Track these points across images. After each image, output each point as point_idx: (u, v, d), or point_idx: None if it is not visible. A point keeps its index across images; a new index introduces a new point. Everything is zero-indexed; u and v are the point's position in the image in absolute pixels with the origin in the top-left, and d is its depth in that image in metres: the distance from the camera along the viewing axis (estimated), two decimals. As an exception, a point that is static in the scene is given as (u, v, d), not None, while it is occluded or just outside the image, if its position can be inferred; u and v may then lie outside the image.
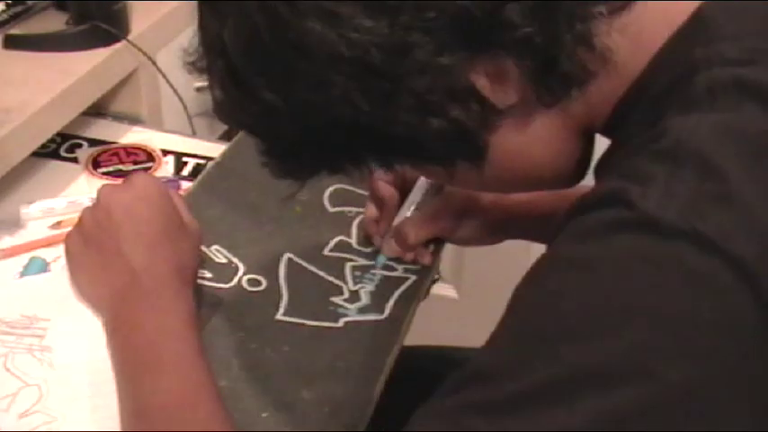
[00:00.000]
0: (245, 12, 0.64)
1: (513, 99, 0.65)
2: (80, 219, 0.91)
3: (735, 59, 0.61)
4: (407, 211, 1.01)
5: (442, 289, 2.02)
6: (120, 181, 1.17)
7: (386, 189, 1.02)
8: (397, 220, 1.01)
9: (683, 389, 0.53)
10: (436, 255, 1.05)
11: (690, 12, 0.64)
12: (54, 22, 1.26)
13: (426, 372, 1.18)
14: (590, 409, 0.54)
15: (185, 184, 1.20)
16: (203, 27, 0.68)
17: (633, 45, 0.64)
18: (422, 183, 1.03)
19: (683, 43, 0.64)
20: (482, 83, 0.64)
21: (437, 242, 1.05)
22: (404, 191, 1.03)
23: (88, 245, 0.88)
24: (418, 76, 0.62)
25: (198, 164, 1.25)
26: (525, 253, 2.01)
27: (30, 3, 1.29)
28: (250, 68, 0.66)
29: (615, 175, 0.59)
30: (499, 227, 1.04)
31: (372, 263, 1.02)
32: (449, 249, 1.09)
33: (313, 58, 0.62)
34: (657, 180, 0.56)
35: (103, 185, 0.92)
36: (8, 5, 1.26)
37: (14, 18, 1.26)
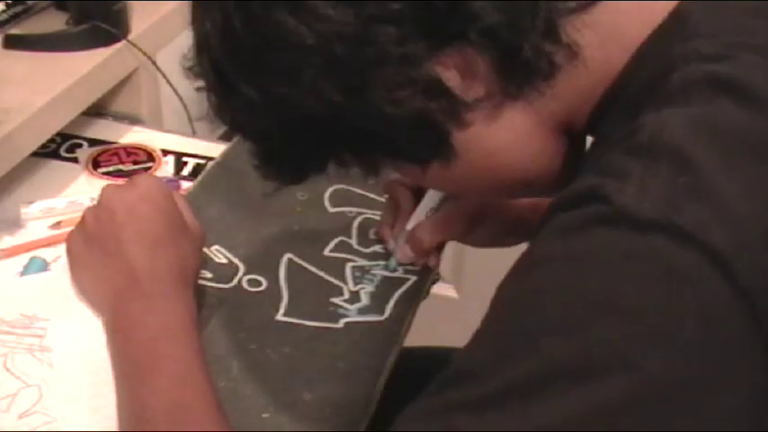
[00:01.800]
0: (223, 7, 0.65)
1: (481, 92, 0.65)
2: (82, 218, 0.90)
3: (710, 56, 0.61)
4: (422, 215, 1.01)
5: (442, 289, 2.02)
6: (120, 181, 1.18)
7: (402, 192, 1.02)
8: (410, 225, 1.00)
9: (665, 379, 0.54)
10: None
11: (668, 10, 0.65)
12: (54, 22, 1.26)
13: (427, 372, 1.18)
14: (573, 401, 0.54)
15: (185, 184, 1.19)
16: (193, 27, 0.70)
17: (609, 43, 0.65)
18: None
19: (662, 41, 0.64)
20: (448, 75, 0.64)
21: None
22: (420, 195, 1.03)
23: (90, 244, 0.88)
24: (382, 66, 0.63)
25: (198, 164, 1.25)
26: (525, 253, 2.02)
27: (30, 3, 1.28)
28: (229, 63, 0.67)
29: (592, 172, 0.60)
30: (513, 229, 1.03)
31: (374, 263, 1.02)
32: (449, 249, 1.09)
33: (282, 49, 0.64)
34: (633, 175, 0.57)
35: (107, 185, 0.92)
36: (8, 5, 1.26)
37: (14, 18, 1.26)
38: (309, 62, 0.63)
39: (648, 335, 0.54)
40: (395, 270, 1.01)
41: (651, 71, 0.63)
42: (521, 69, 0.64)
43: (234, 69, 0.67)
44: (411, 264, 1.02)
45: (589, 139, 0.72)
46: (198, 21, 0.69)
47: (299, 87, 0.65)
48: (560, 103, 0.68)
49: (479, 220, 1.02)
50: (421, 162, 0.71)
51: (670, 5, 0.65)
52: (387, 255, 1.04)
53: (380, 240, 1.05)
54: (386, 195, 1.06)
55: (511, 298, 0.61)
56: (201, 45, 0.69)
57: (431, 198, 1.01)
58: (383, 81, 0.64)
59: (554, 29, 0.63)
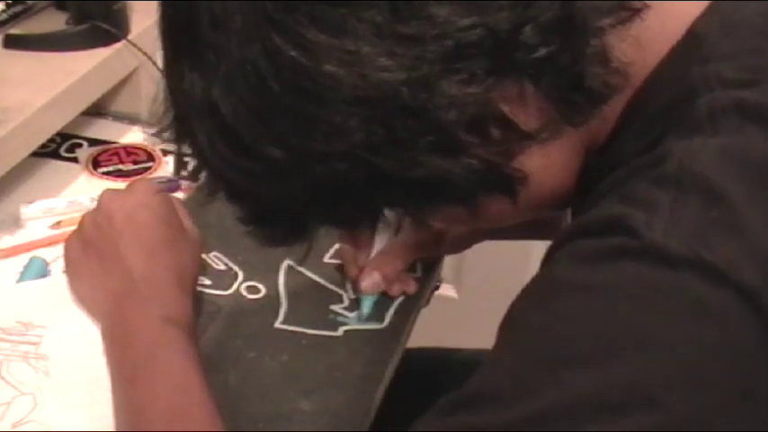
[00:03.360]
0: (245, 61, 0.59)
1: (536, 123, 0.62)
2: (80, 223, 0.90)
3: (734, 80, 0.60)
4: (383, 240, 0.97)
5: (442, 289, 2.01)
6: (120, 181, 1.18)
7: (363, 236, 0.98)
8: (373, 252, 0.96)
9: (687, 417, 0.53)
10: (437, 266, 1.04)
11: (684, 29, 0.64)
12: (54, 21, 1.25)
13: (425, 374, 1.18)
14: None
15: (185, 184, 1.19)
16: (179, 89, 0.63)
17: (638, 62, 0.64)
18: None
19: (680, 61, 0.63)
20: (508, 109, 0.61)
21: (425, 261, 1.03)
22: None
23: (88, 250, 0.88)
24: (447, 109, 0.58)
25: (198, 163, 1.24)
26: (525, 254, 2.02)
27: (29, 2, 1.28)
28: (251, 125, 0.61)
29: (616, 199, 0.59)
30: (481, 233, 1.02)
31: None
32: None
33: (332, 104, 0.58)
34: (661, 207, 0.55)
35: (105, 190, 0.92)
36: (8, 5, 1.25)
37: (14, 18, 1.25)
38: (362, 114, 0.58)
39: (675, 372, 0.53)
40: (368, 318, 0.96)
41: (671, 92, 0.62)
42: (582, 96, 0.62)
43: (257, 130, 0.61)
44: (383, 298, 0.98)
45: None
46: (190, 79, 0.62)
47: (345, 142, 0.59)
48: (589, 127, 0.65)
49: (442, 233, 0.99)
50: (470, 203, 0.66)
51: (685, 25, 0.64)
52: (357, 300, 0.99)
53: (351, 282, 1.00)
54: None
55: (532, 322, 0.59)
56: (197, 106, 0.62)
57: (387, 221, 0.97)
58: (444, 124, 0.59)
59: (604, 49, 0.61)
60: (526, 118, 0.62)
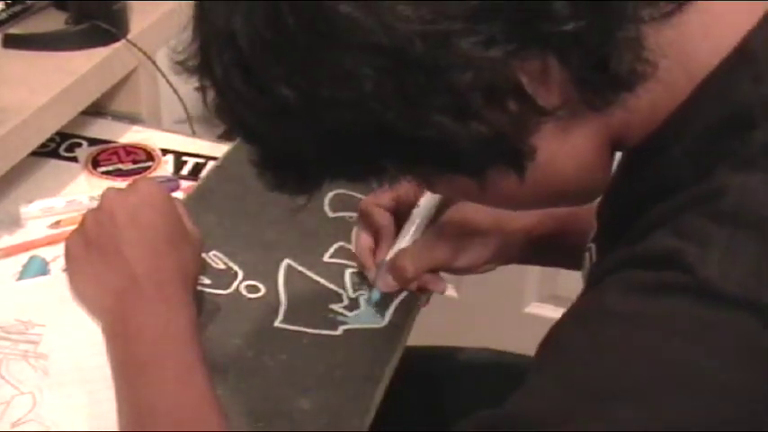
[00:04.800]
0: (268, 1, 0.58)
1: (557, 101, 0.60)
2: (82, 221, 0.90)
3: None
4: (404, 242, 0.97)
5: (442, 289, 2.01)
6: (119, 181, 1.18)
7: (382, 216, 0.99)
8: (392, 253, 0.96)
9: None
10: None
11: (735, 40, 0.61)
12: (53, 21, 1.26)
13: (425, 373, 1.18)
14: None
15: (185, 184, 1.19)
16: (203, 17, 0.63)
17: (676, 66, 0.61)
18: (419, 210, 0.98)
19: (731, 78, 0.61)
20: (527, 81, 0.59)
21: None
22: (398, 217, 0.99)
23: (89, 247, 0.88)
24: (461, 70, 0.57)
25: (197, 163, 1.24)
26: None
27: (29, 2, 1.28)
28: (266, 60, 0.59)
29: (670, 232, 0.57)
30: (500, 253, 1.00)
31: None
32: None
33: (345, 47, 0.57)
34: (717, 243, 0.55)
35: (107, 189, 0.91)
36: (7, 5, 1.25)
37: (14, 17, 1.26)
38: (374, 62, 0.57)
39: (721, 414, 0.53)
40: (377, 302, 0.97)
41: (723, 112, 0.60)
42: (607, 79, 0.60)
43: (271, 66, 0.59)
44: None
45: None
46: (213, 8, 0.61)
47: (355, 90, 0.58)
48: (620, 118, 0.63)
49: (463, 243, 0.98)
50: (479, 175, 0.64)
51: (737, 36, 0.61)
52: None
53: (360, 267, 1.01)
54: (357, 216, 1.00)
55: (579, 349, 0.59)
56: (217, 37, 0.61)
57: (413, 222, 0.97)
58: (457, 85, 0.57)
59: (639, 37, 0.59)
60: (545, 94, 0.60)
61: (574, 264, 0.86)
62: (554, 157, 0.64)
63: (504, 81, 0.58)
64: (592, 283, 0.62)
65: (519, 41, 0.57)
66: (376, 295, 0.97)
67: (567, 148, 0.64)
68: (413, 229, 0.97)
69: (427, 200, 0.98)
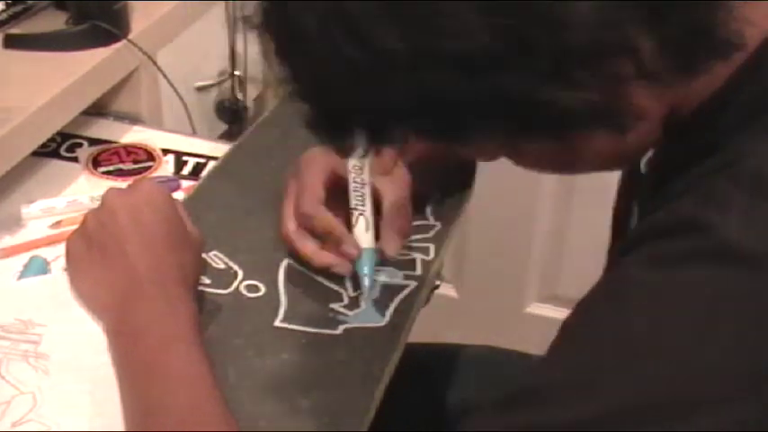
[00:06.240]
0: None
1: (659, 66, 0.60)
2: (83, 221, 0.90)
3: None
4: (367, 211, 0.96)
5: (442, 289, 2.01)
6: (120, 181, 1.18)
7: (328, 219, 0.96)
8: (366, 228, 0.95)
9: (761, 414, 0.54)
10: (438, 261, 1.04)
11: None
12: (54, 21, 1.26)
13: (425, 372, 1.18)
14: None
15: (185, 183, 1.19)
16: None
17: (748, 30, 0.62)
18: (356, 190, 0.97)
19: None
20: (639, 46, 0.59)
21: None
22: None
23: (91, 247, 0.88)
24: (582, 31, 0.56)
25: (198, 163, 1.25)
26: (525, 254, 2.02)
27: (30, 2, 1.28)
28: (377, 10, 0.57)
29: (691, 199, 0.59)
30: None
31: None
32: (449, 249, 1.08)
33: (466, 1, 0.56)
34: (737, 207, 0.56)
35: (109, 189, 0.91)
36: (8, 5, 1.26)
37: (14, 17, 1.26)
38: (497, 21, 0.55)
39: (748, 371, 0.54)
40: (374, 294, 0.97)
41: (763, 87, 0.62)
42: (709, 45, 0.60)
43: (381, 21, 0.57)
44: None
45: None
46: None
47: (469, 48, 0.56)
48: (679, 91, 0.64)
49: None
50: (568, 137, 0.63)
51: None
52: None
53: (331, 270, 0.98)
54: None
55: (604, 319, 0.60)
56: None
57: (364, 197, 0.96)
58: (577, 45, 0.57)
59: (732, 10, 0.59)
60: (650, 57, 0.59)
61: None
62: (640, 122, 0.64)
63: (620, 46, 0.58)
64: (620, 254, 0.62)
65: (634, 7, 0.57)
66: (371, 291, 0.96)
67: (648, 113, 0.64)
68: (367, 201, 0.96)
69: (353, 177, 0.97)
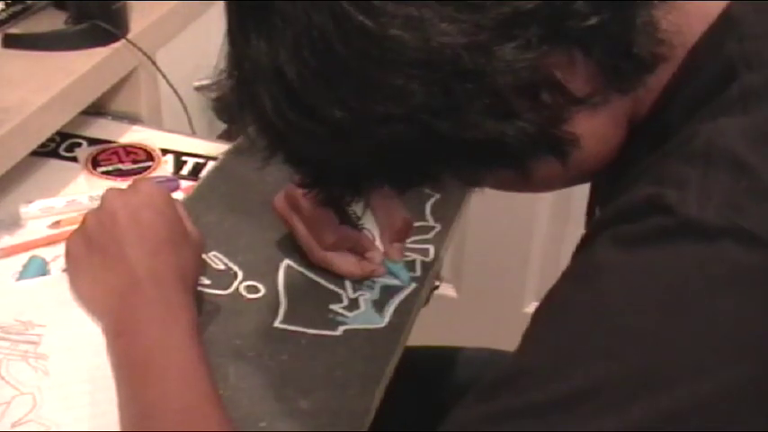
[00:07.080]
0: (312, 26, 0.60)
1: (588, 89, 0.64)
2: (83, 222, 0.90)
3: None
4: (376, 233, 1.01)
5: (441, 289, 2.02)
6: (119, 181, 1.18)
7: (349, 235, 1.00)
8: (376, 236, 1.01)
9: (735, 385, 0.54)
10: (438, 263, 1.04)
11: (719, 10, 0.66)
12: (53, 21, 1.25)
13: (425, 373, 1.18)
14: (643, 409, 0.55)
15: (184, 184, 1.19)
16: (245, 54, 0.64)
17: (674, 40, 0.65)
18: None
19: (715, 41, 0.65)
20: (560, 75, 0.63)
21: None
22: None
23: (91, 248, 0.88)
24: (503, 74, 0.60)
25: (197, 163, 1.24)
26: (525, 254, 2.02)
27: (29, 2, 1.28)
28: (317, 88, 0.62)
29: (649, 181, 0.60)
30: None
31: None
32: (449, 249, 1.08)
33: (395, 66, 0.60)
34: (692, 182, 0.57)
35: (109, 189, 0.91)
36: (7, 4, 1.25)
37: (13, 17, 1.26)
38: (423, 77, 0.60)
39: (721, 343, 0.55)
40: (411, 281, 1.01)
41: (707, 74, 0.64)
42: (631, 64, 0.64)
43: (322, 93, 0.62)
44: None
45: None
46: (255, 44, 0.63)
47: (407, 105, 0.61)
48: (636, 95, 0.67)
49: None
50: (528, 167, 0.67)
51: (721, 5, 0.66)
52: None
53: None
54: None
55: (574, 301, 0.60)
56: (261, 72, 0.63)
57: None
58: (500, 88, 0.61)
59: (654, 19, 0.63)
60: (576, 84, 0.63)
61: None
62: (586, 141, 0.67)
63: (542, 79, 0.62)
64: (584, 243, 0.64)
65: (550, 41, 0.61)
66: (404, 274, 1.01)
67: (595, 129, 0.67)
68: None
69: None
